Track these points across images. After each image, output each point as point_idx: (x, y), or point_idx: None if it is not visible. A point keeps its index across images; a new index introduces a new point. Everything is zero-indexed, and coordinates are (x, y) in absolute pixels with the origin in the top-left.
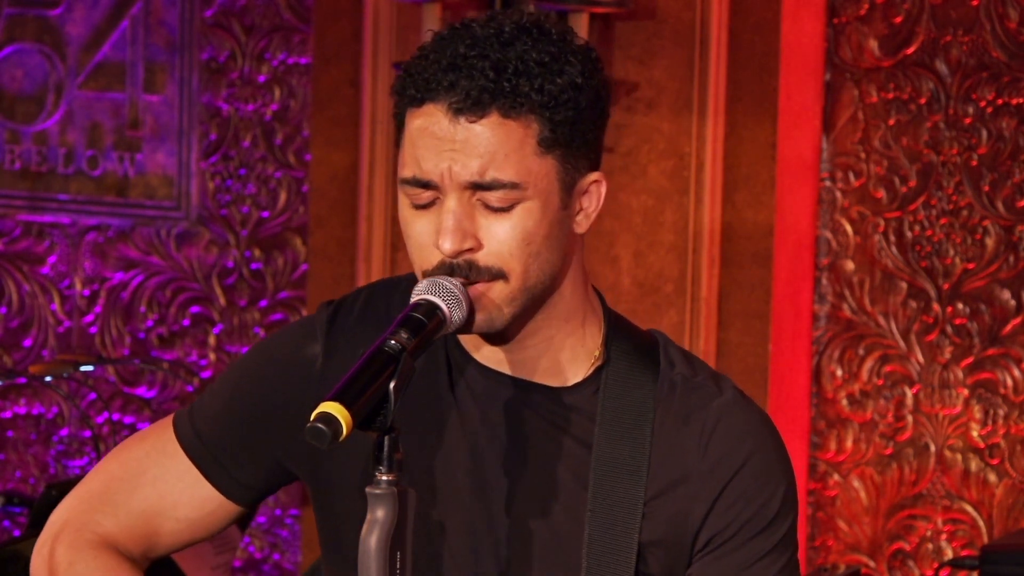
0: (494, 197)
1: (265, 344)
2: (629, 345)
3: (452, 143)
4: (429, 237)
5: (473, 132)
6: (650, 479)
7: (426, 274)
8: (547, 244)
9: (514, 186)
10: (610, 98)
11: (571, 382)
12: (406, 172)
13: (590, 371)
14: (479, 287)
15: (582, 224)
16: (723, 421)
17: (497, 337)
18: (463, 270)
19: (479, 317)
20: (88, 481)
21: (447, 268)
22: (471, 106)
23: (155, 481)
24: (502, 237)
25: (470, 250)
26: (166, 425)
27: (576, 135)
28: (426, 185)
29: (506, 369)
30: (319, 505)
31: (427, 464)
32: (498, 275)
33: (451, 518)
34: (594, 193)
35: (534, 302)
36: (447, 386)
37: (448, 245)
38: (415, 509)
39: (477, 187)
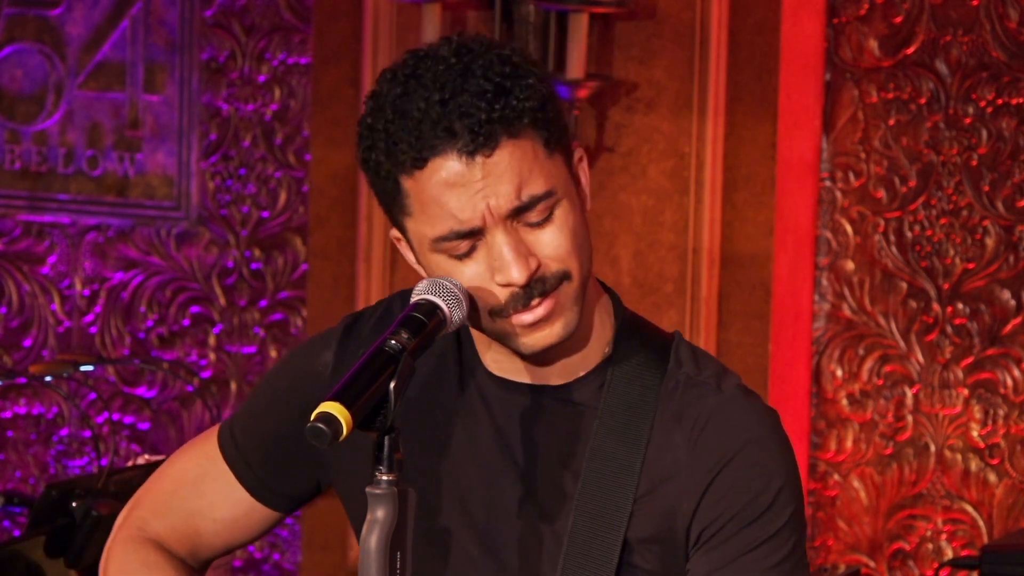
0: (534, 213)
1: (289, 355)
2: (640, 343)
3: (478, 183)
4: (483, 278)
5: (492, 164)
6: (643, 476)
7: (497, 311)
8: (584, 232)
9: (548, 195)
10: None
11: (574, 378)
12: (441, 230)
13: (596, 365)
14: (554, 296)
15: (586, 201)
16: (716, 417)
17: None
18: (538, 288)
19: (558, 325)
20: (145, 484)
21: (525, 295)
22: (483, 143)
23: (196, 482)
24: (555, 243)
25: (536, 269)
26: (213, 430)
27: (558, 123)
28: (469, 234)
29: (521, 374)
30: (347, 512)
31: (436, 470)
32: (564, 277)
33: (459, 525)
34: (582, 170)
35: (586, 297)
36: (457, 391)
37: (519, 275)
38: (422, 515)
39: (518, 211)
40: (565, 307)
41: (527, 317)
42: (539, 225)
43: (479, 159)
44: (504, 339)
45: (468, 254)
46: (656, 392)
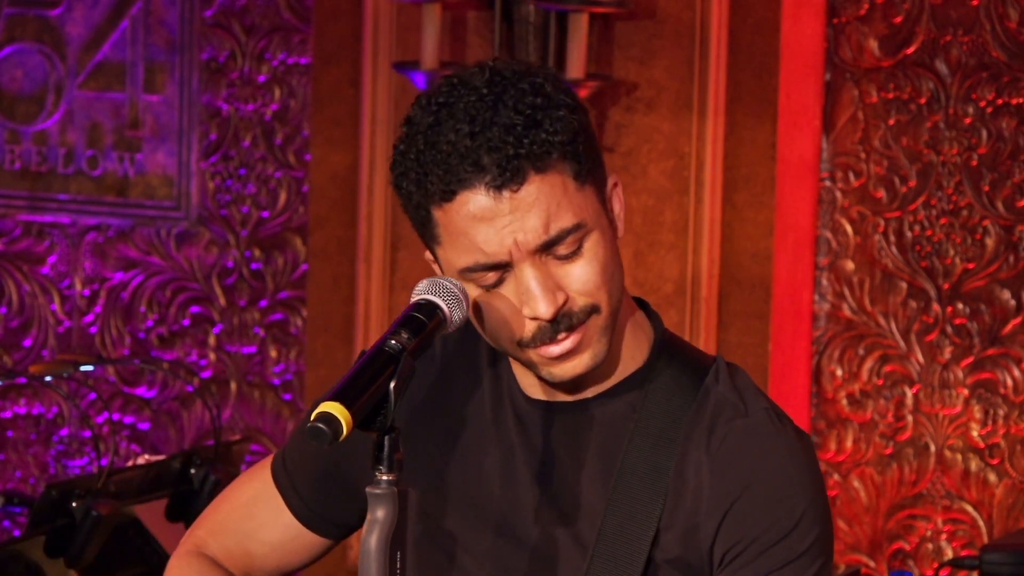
0: (563, 247)
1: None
2: (675, 362)
3: (505, 217)
4: (511, 311)
5: (520, 199)
6: (670, 494)
7: (524, 343)
8: (615, 263)
9: (577, 228)
10: None
11: (608, 388)
12: (467, 261)
13: (625, 379)
14: (582, 330)
15: (619, 229)
16: (741, 440)
17: None
18: (565, 323)
19: (586, 356)
20: (208, 507)
21: (552, 329)
22: (510, 178)
23: (248, 504)
24: (584, 277)
25: (563, 303)
26: (271, 456)
27: (591, 153)
28: (496, 267)
29: (549, 390)
30: None
31: (457, 478)
32: (593, 311)
33: (475, 525)
34: (617, 196)
35: (616, 323)
36: (490, 403)
37: (546, 310)
38: (438, 521)
39: (546, 246)
40: (593, 339)
41: (554, 350)
42: (568, 258)
43: (506, 194)
44: (530, 367)
45: (496, 285)
46: (688, 411)
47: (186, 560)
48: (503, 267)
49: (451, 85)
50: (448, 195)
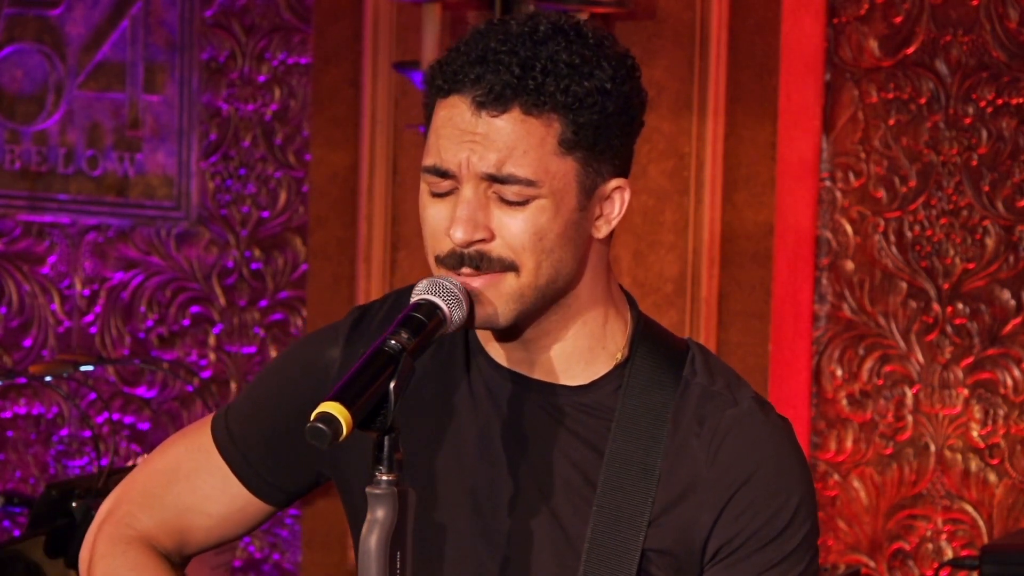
0: (509, 191)
1: (293, 347)
2: (655, 349)
3: (473, 135)
4: (443, 224)
5: (494, 126)
6: (660, 486)
7: (438, 260)
8: (560, 243)
9: (529, 183)
10: (644, 106)
11: (587, 381)
12: (428, 160)
13: (610, 369)
14: (489, 278)
15: (602, 229)
16: (734, 431)
17: (504, 334)
18: (474, 260)
19: (482, 311)
20: (132, 475)
21: (458, 257)
22: (493, 101)
23: (189, 476)
24: (515, 231)
25: (482, 241)
26: (205, 422)
27: (600, 139)
28: (445, 174)
29: (513, 366)
30: (345, 505)
31: (437, 455)
32: (509, 267)
33: (458, 512)
34: (616, 199)
35: (544, 301)
36: (463, 378)
37: (460, 235)
38: (423, 502)
39: (493, 180)
40: (496, 299)
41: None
42: (511, 205)
43: (485, 115)
44: None
45: (444, 196)
46: (671, 399)
47: (121, 547)
48: (454, 178)
49: (530, 15)
50: (443, 92)
